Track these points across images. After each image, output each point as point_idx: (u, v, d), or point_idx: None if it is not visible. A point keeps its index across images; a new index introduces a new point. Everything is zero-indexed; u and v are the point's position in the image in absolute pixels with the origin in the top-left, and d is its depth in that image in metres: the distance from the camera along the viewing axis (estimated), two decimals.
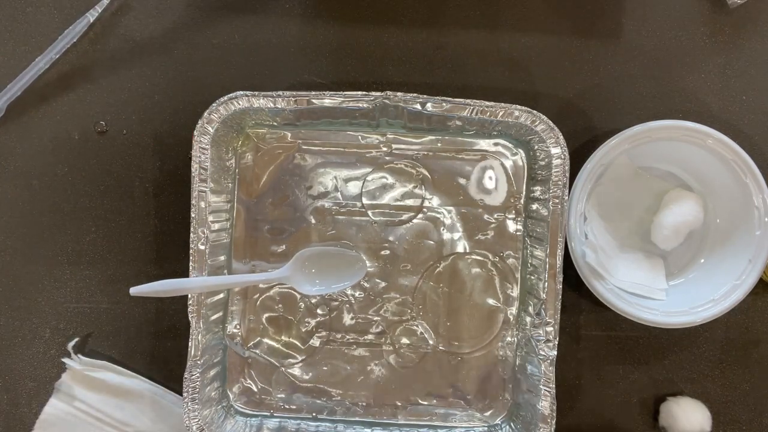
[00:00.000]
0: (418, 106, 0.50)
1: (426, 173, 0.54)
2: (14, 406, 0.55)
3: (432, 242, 0.54)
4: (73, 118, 0.55)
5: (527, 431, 0.51)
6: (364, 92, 0.49)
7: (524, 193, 0.54)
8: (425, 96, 0.50)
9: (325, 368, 0.55)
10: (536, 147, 0.51)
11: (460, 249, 0.54)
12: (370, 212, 0.54)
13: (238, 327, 0.54)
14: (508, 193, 0.54)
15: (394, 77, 0.55)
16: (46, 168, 0.55)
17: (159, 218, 0.55)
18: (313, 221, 0.54)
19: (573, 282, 0.52)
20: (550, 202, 0.50)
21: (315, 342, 0.54)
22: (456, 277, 0.54)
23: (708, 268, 0.54)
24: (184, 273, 0.50)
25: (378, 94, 0.49)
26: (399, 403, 0.55)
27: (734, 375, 0.57)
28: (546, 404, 0.50)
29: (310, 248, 0.52)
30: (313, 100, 0.50)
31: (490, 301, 0.54)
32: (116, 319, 0.55)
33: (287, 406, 0.55)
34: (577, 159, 0.52)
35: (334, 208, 0.54)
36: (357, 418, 0.54)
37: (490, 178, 0.54)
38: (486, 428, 0.54)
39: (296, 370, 0.55)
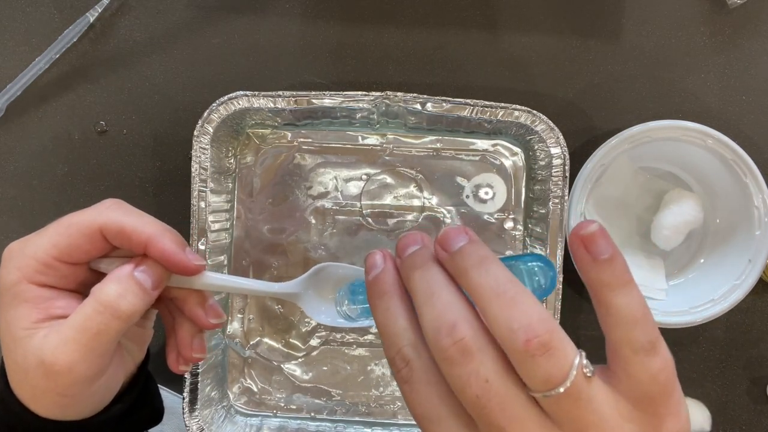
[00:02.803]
0: (418, 106, 0.50)
1: (426, 173, 0.54)
2: None
3: None
4: (73, 118, 0.55)
5: None
6: (364, 92, 0.49)
7: (524, 193, 0.54)
8: (425, 96, 0.50)
9: (325, 368, 0.55)
10: (536, 147, 0.51)
11: None
12: (369, 212, 0.54)
13: (238, 327, 0.54)
14: (508, 193, 0.54)
15: (394, 77, 0.55)
16: (46, 168, 0.55)
17: (159, 218, 0.55)
18: (313, 221, 0.54)
19: (573, 282, 0.52)
20: (550, 202, 0.50)
21: (315, 342, 0.55)
22: None
23: (708, 268, 0.54)
24: None
25: (378, 94, 0.49)
26: (399, 403, 0.55)
27: (734, 375, 0.57)
28: None
29: (333, 264, 0.38)
30: (313, 100, 0.50)
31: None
32: None
33: (287, 406, 0.55)
34: (577, 159, 0.52)
35: (334, 208, 0.54)
36: (357, 418, 0.54)
37: (490, 178, 0.54)
38: None
39: (296, 370, 0.55)
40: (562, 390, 0.23)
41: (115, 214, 0.33)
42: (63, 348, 0.31)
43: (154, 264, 0.33)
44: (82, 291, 0.34)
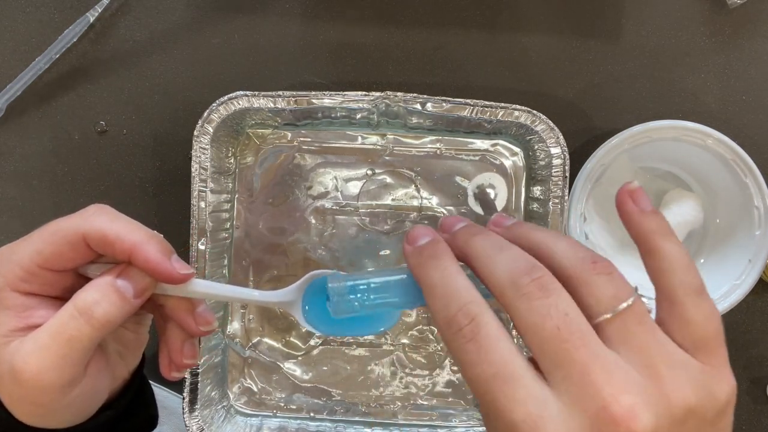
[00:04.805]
0: (418, 106, 0.50)
1: (426, 173, 0.54)
2: None
3: None
4: (73, 118, 0.55)
5: None
6: (364, 92, 0.49)
7: (524, 193, 0.54)
8: (425, 96, 0.50)
9: (325, 368, 0.55)
10: (536, 147, 0.51)
11: None
12: (369, 212, 0.54)
13: (238, 327, 0.54)
14: (508, 193, 0.54)
15: (394, 77, 0.55)
16: (46, 168, 0.55)
17: (159, 218, 0.55)
18: (313, 221, 0.54)
19: None
20: (550, 202, 0.50)
21: (315, 342, 0.55)
22: None
23: (708, 268, 0.54)
24: None
25: (378, 94, 0.49)
26: (399, 403, 0.55)
27: (734, 375, 0.56)
28: None
29: (327, 272, 0.35)
30: (313, 100, 0.50)
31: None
32: None
33: (287, 406, 0.55)
34: (577, 159, 0.52)
35: (334, 208, 0.54)
36: (357, 418, 0.54)
37: (490, 178, 0.54)
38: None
39: (296, 370, 0.55)
40: (631, 301, 0.25)
41: (99, 221, 0.32)
42: (34, 354, 0.30)
43: (139, 272, 0.32)
44: (68, 297, 0.33)
